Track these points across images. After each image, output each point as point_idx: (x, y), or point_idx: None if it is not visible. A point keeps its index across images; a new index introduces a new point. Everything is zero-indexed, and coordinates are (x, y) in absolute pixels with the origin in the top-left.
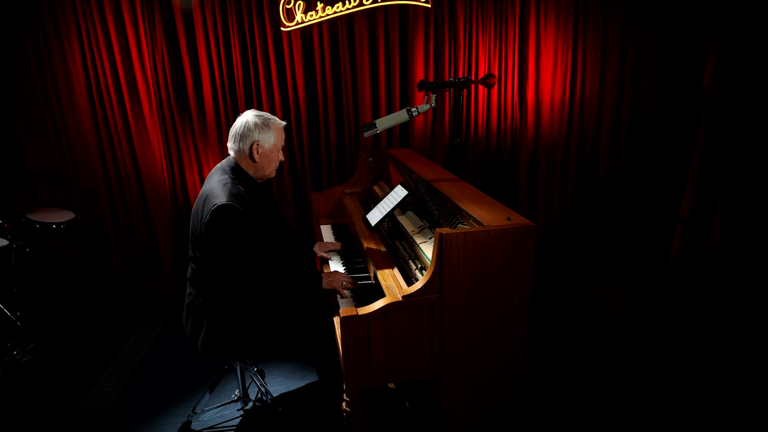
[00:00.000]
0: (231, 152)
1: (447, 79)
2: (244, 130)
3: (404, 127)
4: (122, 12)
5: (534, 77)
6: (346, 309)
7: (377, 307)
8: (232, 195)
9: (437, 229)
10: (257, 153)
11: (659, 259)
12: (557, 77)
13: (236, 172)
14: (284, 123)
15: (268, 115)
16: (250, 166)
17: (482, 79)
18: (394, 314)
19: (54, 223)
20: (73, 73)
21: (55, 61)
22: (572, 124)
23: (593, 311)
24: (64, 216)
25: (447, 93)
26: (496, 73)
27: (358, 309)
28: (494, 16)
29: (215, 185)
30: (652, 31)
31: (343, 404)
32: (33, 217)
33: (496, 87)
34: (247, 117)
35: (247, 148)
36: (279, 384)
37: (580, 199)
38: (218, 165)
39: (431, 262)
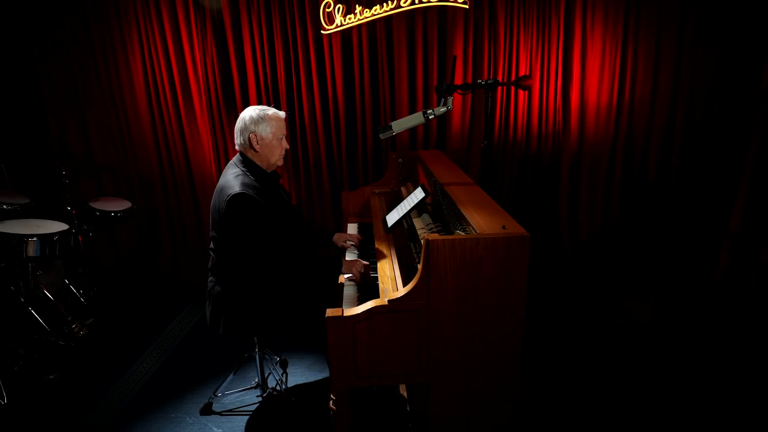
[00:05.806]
0: (236, 147)
1: (485, 80)
2: (242, 125)
3: (441, 128)
4: (178, 17)
5: (579, 78)
6: (332, 309)
7: (362, 310)
8: (245, 185)
9: (425, 235)
10: (257, 144)
11: (709, 273)
12: (604, 79)
13: (246, 164)
14: (282, 113)
15: (264, 107)
16: (255, 156)
17: (516, 80)
18: (380, 318)
19: (112, 211)
20: (134, 76)
21: (120, 64)
22: (620, 128)
23: (631, 325)
24: (122, 205)
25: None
26: (538, 75)
27: (344, 310)
28: (537, 16)
29: (229, 178)
30: (714, 29)
31: (330, 403)
32: (94, 205)
33: (537, 88)
34: (244, 113)
35: (246, 140)
36: (299, 375)
37: (627, 207)
38: (230, 162)
39: (419, 267)
